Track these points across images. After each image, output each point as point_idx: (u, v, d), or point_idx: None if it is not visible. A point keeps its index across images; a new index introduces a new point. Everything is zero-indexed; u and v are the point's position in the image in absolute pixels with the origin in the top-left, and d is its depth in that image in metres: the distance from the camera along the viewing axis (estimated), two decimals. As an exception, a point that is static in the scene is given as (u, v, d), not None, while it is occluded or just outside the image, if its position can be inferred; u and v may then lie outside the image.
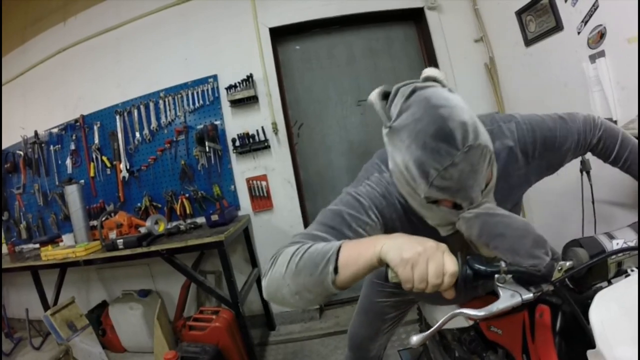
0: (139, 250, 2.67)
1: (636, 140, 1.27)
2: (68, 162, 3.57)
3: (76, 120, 3.53)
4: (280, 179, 3.37)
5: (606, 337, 0.79)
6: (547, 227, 3.08)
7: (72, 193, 3.13)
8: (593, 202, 1.85)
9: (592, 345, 0.82)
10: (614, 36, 2.18)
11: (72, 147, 3.55)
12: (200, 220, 3.22)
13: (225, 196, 3.36)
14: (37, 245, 3.40)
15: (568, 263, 0.83)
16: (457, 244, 0.96)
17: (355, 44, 3.58)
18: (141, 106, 3.40)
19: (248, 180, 3.36)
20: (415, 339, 0.80)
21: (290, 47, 3.55)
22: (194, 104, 3.35)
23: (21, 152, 3.70)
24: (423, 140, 0.83)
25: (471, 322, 1.46)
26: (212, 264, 3.41)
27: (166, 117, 3.37)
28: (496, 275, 0.81)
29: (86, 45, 3.59)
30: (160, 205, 3.42)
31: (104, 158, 3.47)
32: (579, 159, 1.68)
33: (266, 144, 3.29)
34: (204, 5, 3.42)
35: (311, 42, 3.56)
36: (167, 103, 3.37)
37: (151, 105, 3.39)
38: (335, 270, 0.81)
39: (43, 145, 3.65)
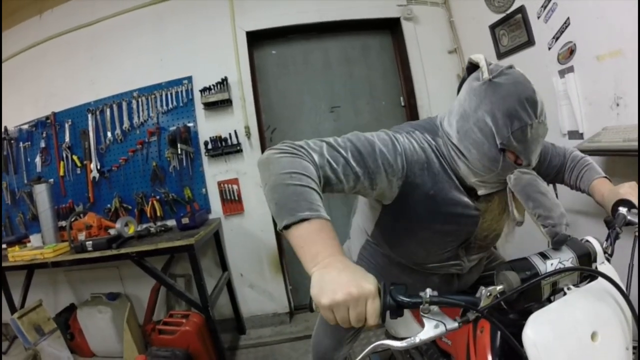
0: (108, 252, 2.64)
1: (591, 163, 1.41)
2: (37, 160, 3.48)
3: (47, 118, 3.46)
4: (252, 183, 3.37)
5: (540, 358, 0.83)
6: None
7: (41, 192, 3.07)
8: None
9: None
10: (583, 53, 2.27)
11: (42, 144, 3.47)
12: (171, 222, 3.20)
13: (196, 199, 3.34)
14: (4, 246, 3.30)
15: (498, 288, 0.86)
16: (492, 204, 1.16)
17: (332, 51, 3.61)
18: (114, 105, 3.35)
19: (219, 183, 3.35)
20: None
21: (266, 51, 3.56)
22: (167, 105, 3.33)
23: (-11, 149, 3.59)
24: (518, 98, 0.97)
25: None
26: (182, 267, 3.39)
27: (139, 117, 3.33)
28: (421, 307, 0.81)
29: (61, 40, 3.52)
30: (130, 207, 3.38)
31: (75, 157, 3.41)
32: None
33: (238, 147, 3.29)
34: (181, 6, 3.40)
35: (288, 47, 3.58)
36: (140, 103, 3.34)
37: (124, 104, 3.35)
38: (287, 227, 0.86)
39: (12, 141, 3.55)
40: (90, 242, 2.68)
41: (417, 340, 0.81)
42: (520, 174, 1.01)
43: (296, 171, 0.91)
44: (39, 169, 3.49)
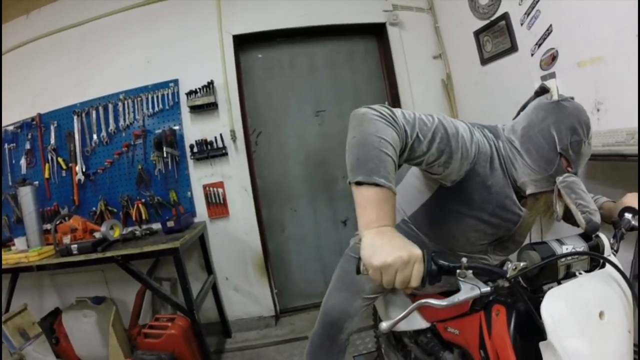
0: (93, 256, 2.62)
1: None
2: (22, 161, 3.44)
3: (33, 119, 3.43)
4: (237, 187, 3.38)
5: (556, 330, 0.95)
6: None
7: (26, 195, 3.05)
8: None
9: (544, 337, 0.97)
10: (565, 59, 2.32)
11: (28, 146, 3.43)
12: (156, 226, 3.19)
13: (181, 202, 3.34)
14: None
15: (522, 264, 0.98)
16: (535, 208, 1.30)
17: (317, 55, 3.64)
18: (100, 107, 3.34)
19: (205, 186, 3.36)
20: (384, 325, 0.90)
21: (252, 55, 3.58)
22: (153, 107, 3.33)
23: (-27, 150, 3.54)
24: (578, 119, 1.17)
25: (428, 324, 1.58)
26: (167, 270, 3.38)
27: (125, 120, 3.33)
28: (458, 271, 0.91)
29: (47, 41, 3.49)
30: (115, 210, 3.37)
31: (60, 159, 3.39)
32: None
33: (224, 151, 3.30)
34: (168, 9, 3.40)
35: (274, 51, 3.60)
36: (126, 105, 3.33)
37: (110, 107, 3.33)
38: (359, 183, 0.97)
39: None
40: (76, 245, 2.67)
41: (457, 300, 0.89)
42: (568, 176, 1.15)
43: (386, 139, 1.00)
44: (23, 170, 3.45)
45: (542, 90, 1.29)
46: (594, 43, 2.12)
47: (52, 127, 3.40)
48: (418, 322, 1.61)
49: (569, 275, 1.09)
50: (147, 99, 3.33)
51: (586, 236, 1.15)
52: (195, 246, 3.30)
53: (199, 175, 3.36)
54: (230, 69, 3.35)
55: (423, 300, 0.89)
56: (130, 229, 3.15)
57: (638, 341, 1.08)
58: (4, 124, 3.51)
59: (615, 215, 1.32)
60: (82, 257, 2.64)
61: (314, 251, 3.73)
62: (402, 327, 1.67)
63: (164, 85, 3.33)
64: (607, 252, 1.13)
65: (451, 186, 1.24)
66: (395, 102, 3.59)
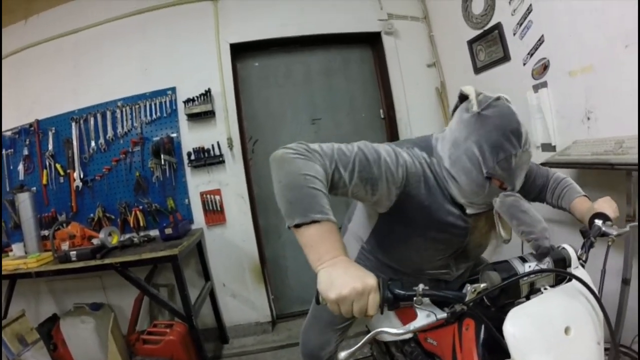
0: (92, 262, 2.65)
1: (572, 183, 1.55)
2: (20, 167, 3.45)
3: (31, 125, 3.44)
4: (234, 194, 3.42)
5: (519, 348, 0.95)
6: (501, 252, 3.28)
7: (24, 201, 3.06)
8: None
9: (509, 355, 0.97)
10: (556, 69, 2.36)
11: (25, 152, 3.44)
12: (154, 233, 3.21)
13: (179, 209, 3.36)
14: None
15: (482, 285, 0.97)
16: (479, 222, 1.28)
17: (313, 64, 3.68)
18: (98, 114, 3.36)
19: (202, 194, 3.39)
20: (342, 354, 0.89)
21: (249, 63, 3.61)
22: (151, 115, 3.35)
23: (-30, 156, 3.54)
24: (503, 131, 1.08)
25: (411, 334, 1.54)
26: (165, 277, 3.41)
27: (123, 127, 3.35)
28: (414, 298, 0.91)
29: (45, 47, 3.50)
30: (113, 217, 3.38)
31: (58, 165, 3.40)
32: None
33: (221, 158, 3.33)
34: (166, 17, 3.43)
35: (270, 60, 3.63)
36: (124, 113, 3.35)
37: (108, 114, 3.36)
38: (298, 226, 0.96)
39: None
40: (75, 252, 2.70)
41: (412, 327, 0.91)
42: (505, 197, 1.11)
43: (310, 174, 1.00)
44: (21, 176, 3.46)
45: (464, 96, 1.19)
46: (584, 52, 2.16)
47: (50, 134, 3.42)
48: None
49: (534, 291, 1.07)
50: (145, 106, 3.35)
51: (554, 252, 1.12)
52: (193, 253, 3.32)
53: (196, 183, 3.39)
54: (228, 77, 3.38)
55: (379, 330, 0.89)
56: (128, 235, 3.17)
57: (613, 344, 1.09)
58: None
59: (587, 223, 1.31)
60: (81, 264, 2.67)
61: (310, 256, 3.74)
62: (387, 337, 1.69)
63: (162, 93, 3.35)
64: (575, 265, 1.12)
65: (388, 211, 1.24)
66: (390, 109, 3.64)
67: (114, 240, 2.93)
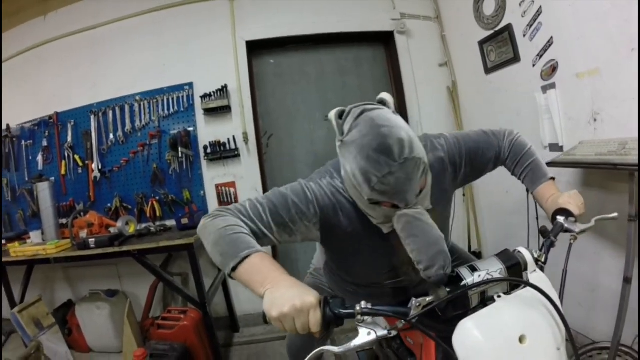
0: (110, 249, 2.72)
1: (535, 158, 1.45)
2: (39, 158, 3.56)
3: (50, 117, 3.54)
4: (248, 187, 3.49)
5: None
6: (498, 243, 3.32)
7: (44, 190, 3.15)
8: (537, 219, 1.97)
9: None
10: (565, 70, 2.39)
11: (45, 143, 3.54)
12: (170, 223, 3.29)
13: (194, 201, 3.44)
14: (4, 242, 3.36)
15: (428, 299, 0.95)
16: (397, 241, 1.12)
17: (326, 62, 3.75)
18: (116, 108, 3.45)
19: (217, 186, 3.47)
20: None
21: (264, 60, 3.68)
22: (168, 109, 3.43)
23: (-10, 146, 3.64)
24: (367, 153, 0.99)
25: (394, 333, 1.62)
26: (179, 266, 3.50)
27: (140, 120, 3.44)
28: (356, 315, 0.90)
29: (64, 42, 3.59)
30: (130, 207, 3.47)
31: (76, 157, 3.49)
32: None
33: (236, 152, 3.41)
34: (183, 14, 3.51)
35: (285, 57, 3.70)
36: (142, 107, 3.44)
37: (126, 107, 3.44)
38: (234, 269, 0.99)
39: (14, 139, 3.61)
40: (93, 239, 2.77)
41: (352, 345, 0.90)
42: (399, 217, 1.04)
43: (229, 224, 1.07)
44: (40, 167, 3.56)
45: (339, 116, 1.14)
46: (591, 56, 2.18)
47: (69, 126, 3.52)
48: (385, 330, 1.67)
49: (486, 299, 1.02)
50: (163, 100, 3.44)
51: (507, 256, 1.08)
52: (207, 244, 3.39)
53: (212, 175, 3.47)
54: (243, 74, 3.45)
55: (320, 348, 0.90)
56: (144, 225, 3.25)
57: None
58: (19, 121, 3.63)
59: (549, 215, 1.28)
60: (99, 251, 2.73)
61: (321, 248, 3.82)
62: (332, 352, 1.77)
63: (179, 88, 3.44)
64: (532, 269, 1.07)
65: (323, 242, 1.29)
66: (402, 108, 3.68)
67: (131, 229, 3.02)
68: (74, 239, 2.95)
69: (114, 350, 3.29)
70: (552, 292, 1.02)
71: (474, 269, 1.03)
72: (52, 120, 3.55)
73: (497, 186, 3.15)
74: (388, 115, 1.05)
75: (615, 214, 1.30)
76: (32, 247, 2.89)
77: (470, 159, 1.35)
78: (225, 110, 3.39)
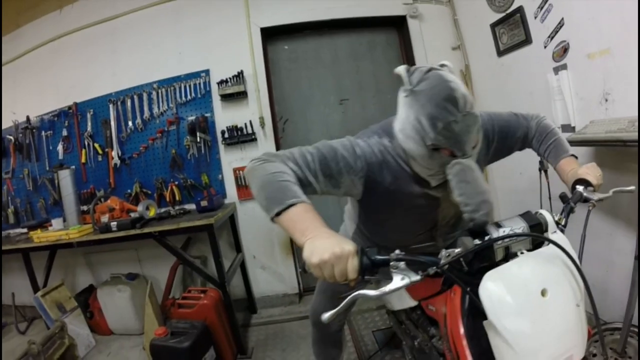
0: (132, 232, 2.78)
1: (558, 136, 1.54)
2: (59, 148, 3.63)
3: (69, 108, 3.61)
4: (266, 171, 3.53)
5: (494, 310, 1.01)
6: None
7: (65, 178, 3.23)
8: (550, 198, 2.03)
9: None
10: (576, 51, 2.40)
11: (64, 133, 3.63)
12: (189, 206, 3.34)
13: (212, 184, 3.51)
14: (25, 230, 3.46)
15: (456, 250, 1.02)
16: (443, 192, 1.28)
17: (340, 47, 3.78)
18: (135, 96, 3.52)
19: (235, 170, 3.53)
20: (325, 316, 0.98)
21: (279, 46, 3.73)
22: (186, 96, 3.50)
23: (11, 137, 3.73)
24: (436, 101, 1.09)
25: (415, 302, 1.66)
26: (198, 249, 3.56)
27: (159, 107, 3.51)
28: (391, 263, 0.96)
29: (81, 34, 3.66)
30: (150, 192, 3.54)
31: (96, 145, 3.56)
32: (538, 159, 1.90)
33: (253, 136, 3.48)
34: (198, 3, 3.56)
35: (299, 43, 3.75)
36: (160, 94, 3.50)
37: (144, 95, 3.51)
38: (278, 214, 1.05)
39: (34, 130, 3.70)
40: (115, 222, 2.84)
41: (387, 289, 0.95)
42: (452, 165, 1.14)
43: (278, 171, 1.12)
44: (61, 156, 3.65)
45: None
46: (602, 36, 2.19)
47: (88, 115, 3.59)
48: (407, 301, 1.73)
49: (510, 255, 1.10)
50: (180, 88, 3.51)
51: (530, 217, 1.16)
52: (225, 226, 3.47)
53: (230, 160, 3.53)
54: (259, 60, 3.51)
55: (358, 292, 0.96)
56: (164, 209, 3.31)
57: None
58: (39, 113, 3.73)
59: (569, 186, 1.36)
60: (121, 234, 2.80)
61: (336, 231, 3.85)
62: (396, 306, 1.83)
63: (196, 75, 3.50)
64: (552, 229, 1.15)
65: (362, 199, 1.34)
66: (415, 92, 3.72)
67: (152, 212, 3.08)
68: (95, 224, 3.02)
69: (134, 332, 3.38)
70: (572, 252, 1.08)
71: (499, 226, 1.12)
72: (71, 111, 3.62)
73: (512, 169, 3.17)
74: (451, 75, 1.14)
75: (632, 187, 1.37)
76: (55, 233, 2.96)
77: (501, 136, 1.45)
78: (242, 95, 3.45)
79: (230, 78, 3.43)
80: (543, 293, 1.02)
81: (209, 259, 3.40)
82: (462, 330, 1.15)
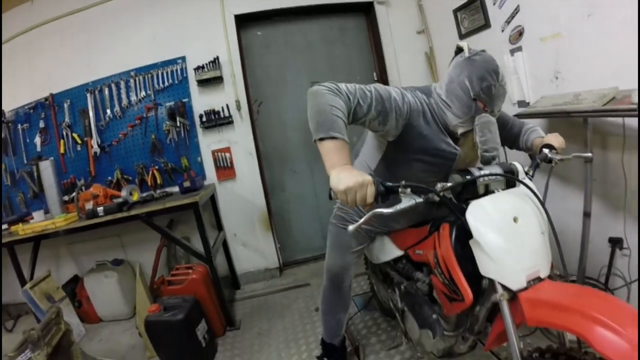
0: (119, 215, 2.82)
1: (535, 128, 1.92)
2: (37, 140, 3.62)
3: (46, 99, 3.60)
4: (243, 151, 3.69)
5: (478, 229, 1.31)
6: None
7: (46, 169, 3.20)
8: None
9: (471, 236, 1.32)
10: (530, 35, 2.65)
11: (42, 125, 3.61)
12: (170, 189, 3.43)
13: (192, 167, 3.61)
14: (6, 226, 3.39)
15: (448, 184, 1.34)
16: (465, 147, 1.61)
17: (311, 32, 3.93)
18: (112, 85, 3.57)
19: (213, 152, 3.66)
20: (350, 227, 1.23)
21: (252, 32, 3.84)
22: (163, 83, 3.58)
23: (-15, 133, 3.66)
24: (486, 69, 1.45)
25: (402, 252, 1.93)
26: (180, 231, 3.66)
27: (137, 95, 3.57)
28: (400, 189, 1.24)
29: (54, 25, 3.63)
30: (131, 178, 3.60)
31: (75, 135, 3.59)
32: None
33: (230, 119, 3.60)
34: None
35: (271, 29, 3.87)
36: (137, 82, 3.56)
37: (122, 83, 3.56)
38: (321, 139, 1.31)
39: (10, 124, 3.67)
40: (102, 208, 2.87)
41: (399, 208, 1.23)
42: (483, 115, 1.49)
43: (335, 106, 1.34)
44: (38, 148, 3.64)
45: (459, 50, 1.56)
46: (553, 21, 2.42)
47: (65, 106, 3.60)
48: (394, 252, 2.00)
49: (489, 192, 1.41)
50: (157, 75, 3.58)
51: (505, 165, 1.48)
52: (207, 206, 3.57)
53: (208, 142, 3.65)
54: (234, 46, 3.62)
55: (377, 210, 1.21)
56: (146, 193, 3.34)
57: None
58: (14, 106, 3.68)
59: (538, 150, 1.68)
60: (108, 217, 2.83)
61: (312, 209, 4.07)
62: (383, 258, 2.10)
63: (173, 62, 3.58)
64: (521, 176, 1.47)
65: (395, 140, 1.58)
66: (382, 73, 3.91)
67: (135, 197, 3.15)
68: (80, 212, 3.05)
69: (123, 317, 3.45)
70: (537, 192, 1.41)
71: (481, 169, 1.44)
72: (47, 102, 3.61)
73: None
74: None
75: (589, 154, 1.73)
76: (40, 223, 2.94)
77: (501, 126, 1.74)
78: (218, 80, 3.57)
79: (206, 64, 3.53)
80: (515, 220, 1.30)
81: (192, 239, 3.50)
82: (453, 254, 1.43)
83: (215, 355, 2.76)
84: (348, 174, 1.20)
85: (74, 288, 3.50)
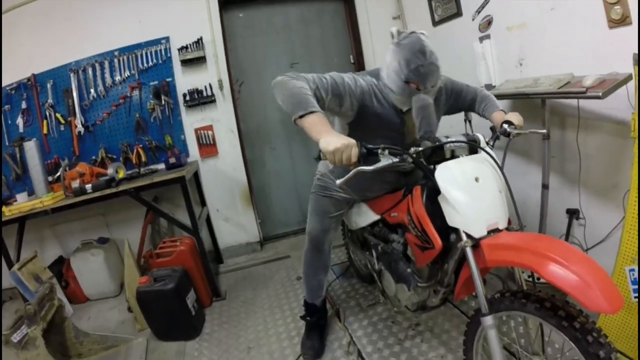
0: (108, 191, 2.86)
1: (492, 98, 2.11)
2: (19, 121, 3.59)
3: (28, 79, 3.57)
4: (225, 129, 3.81)
5: (445, 185, 1.51)
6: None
7: (31, 149, 3.18)
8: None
9: (439, 193, 1.53)
10: (498, 24, 2.85)
11: (24, 106, 3.59)
12: (155, 167, 3.52)
13: (176, 145, 3.70)
14: None
15: (420, 148, 1.55)
16: (409, 120, 1.78)
17: (291, 14, 4.05)
18: (96, 64, 3.58)
19: (196, 130, 3.76)
20: (338, 181, 1.44)
21: (234, 14, 3.93)
22: (147, 62, 3.63)
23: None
24: (413, 50, 1.60)
25: (378, 216, 2.16)
26: (165, 207, 3.62)
27: (121, 74, 3.61)
28: (379, 150, 1.42)
29: (36, 5, 3.54)
30: (115, 157, 3.65)
31: (58, 115, 3.59)
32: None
33: (212, 98, 3.72)
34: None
35: (253, 11, 3.97)
36: (121, 62, 3.61)
37: (106, 63, 3.59)
38: (301, 117, 1.45)
39: None
40: (90, 185, 2.91)
41: (380, 166, 1.42)
42: (418, 97, 1.66)
43: (303, 87, 1.54)
44: (21, 129, 3.61)
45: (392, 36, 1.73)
46: (519, 12, 2.62)
47: (48, 86, 3.57)
48: (371, 217, 2.23)
49: (454, 157, 1.59)
50: (141, 55, 3.63)
51: (469, 136, 1.67)
52: (191, 182, 3.61)
53: (191, 121, 3.75)
54: (217, 27, 3.71)
55: (360, 168, 1.38)
56: (131, 171, 3.37)
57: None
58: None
59: (498, 127, 1.84)
60: (97, 194, 2.87)
61: (291, 185, 4.23)
62: (361, 223, 2.33)
63: (156, 42, 3.63)
64: (483, 144, 1.65)
65: (355, 120, 1.80)
66: (359, 56, 4.09)
67: (121, 174, 3.18)
68: (66, 190, 3.06)
69: (110, 295, 3.52)
70: (496, 157, 1.63)
71: (447, 137, 1.62)
72: (30, 82, 3.57)
73: (445, 122, 3.53)
74: (427, 39, 1.66)
75: (544, 130, 2.07)
76: (27, 203, 2.94)
77: (455, 97, 2.05)
78: (201, 60, 3.66)
79: (190, 44, 3.61)
80: (476, 180, 1.50)
81: (176, 214, 3.53)
82: (424, 209, 1.66)
83: (204, 324, 2.87)
84: (336, 138, 1.36)
85: (60, 269, 3.51)
